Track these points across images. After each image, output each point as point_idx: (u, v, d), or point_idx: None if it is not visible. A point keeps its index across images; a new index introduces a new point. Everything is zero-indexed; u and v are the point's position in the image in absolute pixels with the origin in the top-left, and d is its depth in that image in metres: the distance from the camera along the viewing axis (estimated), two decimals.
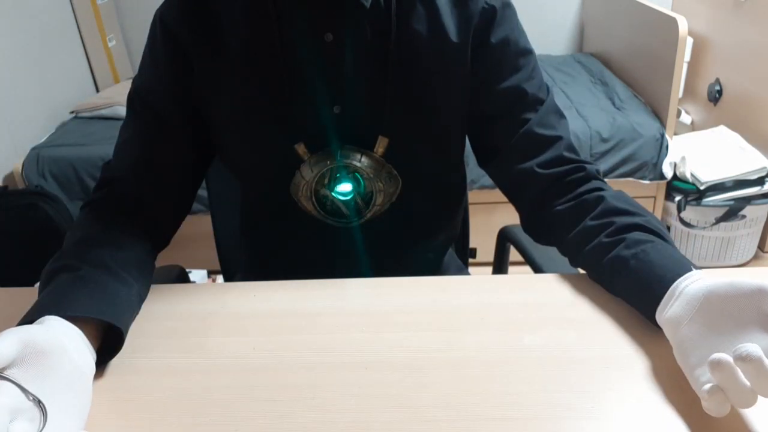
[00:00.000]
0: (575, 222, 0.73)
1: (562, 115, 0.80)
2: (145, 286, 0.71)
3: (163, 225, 0.80)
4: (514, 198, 0.83)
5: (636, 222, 0.68)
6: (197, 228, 1.47)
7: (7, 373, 0.48)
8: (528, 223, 0.83)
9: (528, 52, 0.79)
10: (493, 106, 0.79)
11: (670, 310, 0.58)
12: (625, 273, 0.65)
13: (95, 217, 0.74)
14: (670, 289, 0.59)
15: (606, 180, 0.78)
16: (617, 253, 0.66)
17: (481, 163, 0.85)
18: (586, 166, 0.77)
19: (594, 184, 0.76)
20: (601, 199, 0.72)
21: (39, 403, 0.48)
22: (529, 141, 0.77)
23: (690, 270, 0.60)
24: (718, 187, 2.04)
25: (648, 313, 0.62)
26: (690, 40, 2.37)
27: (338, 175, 0.79)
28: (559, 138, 0.78)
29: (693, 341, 0.53)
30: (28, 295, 0.67)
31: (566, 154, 0.77)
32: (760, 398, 0.47)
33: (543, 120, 0.78)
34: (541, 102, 0.78)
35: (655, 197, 2.15)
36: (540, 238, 0.82)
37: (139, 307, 0.69)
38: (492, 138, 0.81)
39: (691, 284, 0.57)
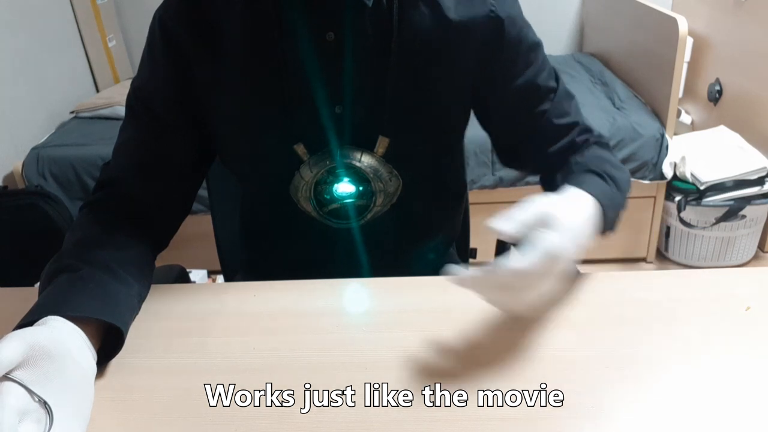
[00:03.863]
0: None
1: (571, 96, 0.83)
2: (145, 286, 0.71)
3: (162, 226, 0.80)
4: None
5: (593, 163, 0.76)
6: (197, 228, 1.47)
7: (14, 375, 0.48)
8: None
9: (536, 45, 0.80)
10: (509, 105, 0.81)
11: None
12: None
13: (95, 217, 0.75)
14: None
15: None
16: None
17: (504, 163, 0.89)
18: (594, 138, 0.82)
19: (594, 143, 0.81)
20: (589, 146, 0.80)
21: (45, 404, 0.49)
22: (547, 133, 0.81)
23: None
24: (718, 187, 2.04)
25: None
26: (690, 40, 2.36)
27: (337, 175, 0.79)
28: (574, 124, 0.81)
29: None
30: (28, 295, 0.67)
31: (578, 139, 0.81)
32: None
33: (558, 109, 0.81)
34: (554, 90, 0.81)
35: (655, 197, 2.14)
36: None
37: (139, 307, 0.69)
38: (512, 137, 0.84)
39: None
